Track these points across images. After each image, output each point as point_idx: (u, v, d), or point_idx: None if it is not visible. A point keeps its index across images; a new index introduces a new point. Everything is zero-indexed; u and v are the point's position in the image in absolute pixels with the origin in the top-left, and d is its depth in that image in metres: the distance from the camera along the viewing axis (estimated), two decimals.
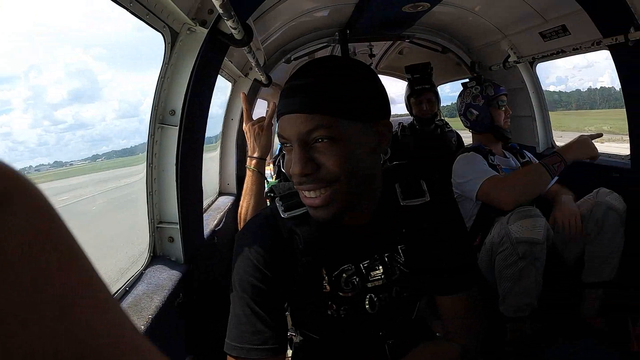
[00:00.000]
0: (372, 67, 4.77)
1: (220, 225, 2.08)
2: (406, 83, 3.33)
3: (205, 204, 2.20)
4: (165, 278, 1.44)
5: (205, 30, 1.49)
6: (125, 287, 1.35)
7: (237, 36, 1.53)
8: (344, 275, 1.04)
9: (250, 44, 1.74)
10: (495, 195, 2.02)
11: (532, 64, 3.10)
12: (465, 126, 2.53)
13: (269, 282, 0.97)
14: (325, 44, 3.30)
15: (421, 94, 3.17)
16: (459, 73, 3.94)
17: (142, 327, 1.17)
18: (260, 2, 1.66)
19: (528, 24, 2.74)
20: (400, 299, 1.09)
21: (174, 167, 1.52)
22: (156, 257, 1.57)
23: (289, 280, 1.01)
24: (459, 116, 2.54)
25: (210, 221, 2.10)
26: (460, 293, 1.08)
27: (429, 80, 3.19)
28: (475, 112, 2.41)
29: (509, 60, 3.07)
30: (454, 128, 3.43)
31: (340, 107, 0.88)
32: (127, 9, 1.22)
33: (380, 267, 1.06)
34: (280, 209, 1.03)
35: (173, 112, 1.52)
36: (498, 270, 1.94)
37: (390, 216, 1.05)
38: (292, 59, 3.23)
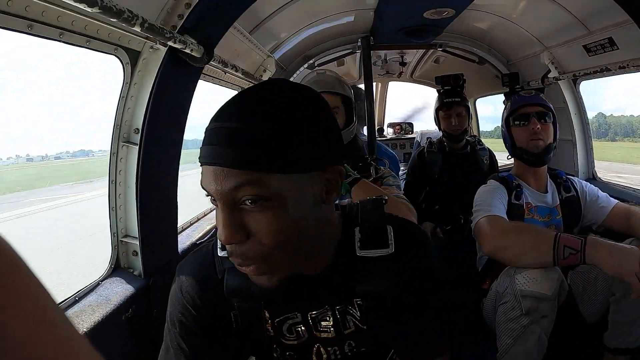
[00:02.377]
0: (405, 75, 4.62)
1: (207, 236, 2.09)
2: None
3: (193, 217, 2.22)
4: (119, 291, 1.47)
5: (164, 49, 1.48)
6: (75, 296, 1.39)
7: (196, 54, 1.52)
8: (288, 322, 0.95)
9: (232, 65, 1.73)
10: (481, 238, 1.76)
11: (576, 81, 2.78)
12: None
13: (197, 322, 0.93)
14: (349, 50, 3.22)
15: (450, 107, 2.92)
16: (497, 87, 3.65)
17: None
18: (229, 17, 1.63)
19: (570, 35, 2.48)
20: (357, 354, 0.98)
21: (134, 184, 1.54)
22: (119, 269, 1.61)
23: (226, 321, 0.96)
24: None
25: (197, 232, 2.12)
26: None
27: (460, 93, 2.95)
28: (502, 132, 2.09)
29: (548, 75, 2.77)
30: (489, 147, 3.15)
31: (273, 158, 0.70)
32: (59, 41, 1.23)
33: (331, 319, 0.94)
34: (218, 246, 0.92)
35: (137, 130, 1.54)
36: (498, 323, 1.66)
37: (345, 266, 0.90)
38: (315, 65, 3.18)
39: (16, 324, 0.22)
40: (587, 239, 1.52)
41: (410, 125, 5.20)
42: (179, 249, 1.84)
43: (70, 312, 1.30)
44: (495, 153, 3.13)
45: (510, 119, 2.00)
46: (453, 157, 2.99)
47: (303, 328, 0.95)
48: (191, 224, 2.10)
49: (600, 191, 2.02)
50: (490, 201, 1.86)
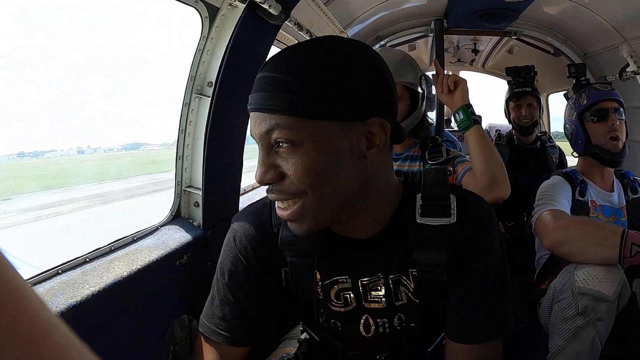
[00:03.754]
0: (477, 64, 4.46)
1: None
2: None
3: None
4: (176, 237, 1.51)
5: (243, 5, 1.50)
6: (133, 236, 1.44)
7: (274, 11, 1.53)
8: (336, 286, 0.95)
9: (307, 26, 1.73)
10: (542, 231, 1.67)
11: None
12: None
13: (247, 274, 0.94)
14: (422, 34, 3.15)
15: (521, 97, 2.84)
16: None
17: (131, 277, 1.22)
18: None
19: None
20: (406, 329, 0.96)
21: (204, 136, 1.58)
22: (178, 217, 1.66)
23: (276, 277, 0.97)
24: None
25: (258, 196, 2.12)
26: (472, 344, 0.90)
27: (531, 83, 2.85)
28: (570, 128, 1.98)
29: (627, 70, 2.59)
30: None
31: (303, 104, 0.74)
32: None
33: (383, 288, 0.93)
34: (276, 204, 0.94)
35: (211, 84, 1.58)
36: (553, 322, 1.57)
37: (403, 233, 0.89)
38: (387, 45, 3.13)
39: None
40: None
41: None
42: (240, 208, 1.86)
43: (125, 251, 1.35)
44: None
45: (586, 113, 1.89)
46: (522, 152, 2.90)
47: (352, 295, 0.94)
48: (253, 188, 2.13)
49: None
50: (554, 196, 1.78)
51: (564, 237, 1.59)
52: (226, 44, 1.55)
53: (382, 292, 0.93)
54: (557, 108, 4.31)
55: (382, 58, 0.83)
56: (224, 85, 1.57)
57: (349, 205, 0.83)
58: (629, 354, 1.67)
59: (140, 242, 1.44)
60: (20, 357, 0.22)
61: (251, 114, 0.79)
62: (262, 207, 0.98)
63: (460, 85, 1.69)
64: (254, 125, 0.78)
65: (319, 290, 0.95)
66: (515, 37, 3.20)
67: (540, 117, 2.92)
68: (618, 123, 1.83)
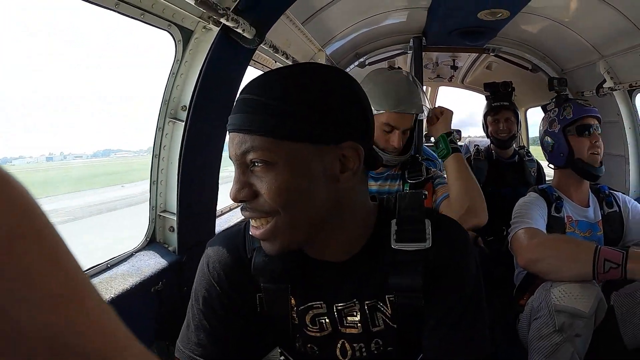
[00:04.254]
0: (456, 80, 4.51)
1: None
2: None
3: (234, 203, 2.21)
4: (151, 264, 1.49)
5: (217, 29, 1.50)
6: (108, 263, 1.42)
7: (247, 35, 1.52)
8: (311, 312, 0.93)
9: (282, 51, 1.73)
10: (517, 249, 1.67)
11: (632, 93, 2.64)
12: (546, 160, 2.06)
13: (221, 300, 0.92)
14: (401, 50, 3.18)
15: (499, 111, 2.85)
16: (550, 96, 3.47)
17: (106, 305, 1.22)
18: (283, 2, 1.64)
19: (627, 43, 2.36)
20: (384, 353, 0.95)
21: (177, 160, 1.56)
22: (154, 243, 1.64)
23: (250, 303, 0.95)
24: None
25: (235, 218, 2.13)
26: None
27: (509, 98, 2.87)
28: (550, 140, 1.97)
29: (604, 86, 2.64)
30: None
31: (279, 126, 0.75)
32: (114, 11, 1.27)
33: (358, 314, 0.92)
34: (250, 226, 0.92)
35: (185, 108, 1.57)
36: (530, 340, 1.57)
37: (378, 258, 0.88)
38: (366, 63, 3.16)
39: (32, 262, 0.22)
40: (630, 252, 1.43)
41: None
42: (216, 232, 1.85)
43: (100, 278, 1.33)
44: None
45: (570, 127, 1.89)
46: (500, 166, 2.90)
47: (327, 321, 0.93)
48: (231, 209, 2.11)
49: None
50: (529, 213, 1.78)
51: (537, 255, 1.59)
52: (200, 67, 1.54)
53: (358, 318, 0.91)
54: (536, 122, 4.37)
55: (360, 87, 0.85)
56: (198, 109, 1.56)
57: (322, 227, 0.83)
58: (625, 357, 1.67)
59: (115, 270, 1.42)
60: (50, 317, 0.23)
61: (230, 134, 0.80)
62: (236, 233, 0.97)
63: (444, 114, 1.72)
64: (232, 144, 0.79)
65: (295, 315, 0.94)
66: (493, 54, 3.23)
67: (518, 132, 2.94)
68: (600, 140, 1.86)
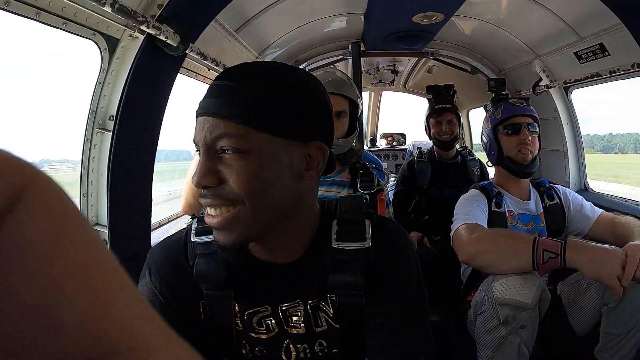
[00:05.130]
0: (398, 84, 4.62)
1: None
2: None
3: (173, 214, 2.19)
4: None
5: (142, 37, 1.48)
6: None
7: (172, 42, 1.51)
8: (258, 315, 0.92)
9: (212, 58, 1.72)
10: (457, 245, 1.69)
11: (568, 90, 2.77)
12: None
13: (164, 310, 0.89)
14: (341, 57, 3.22)
15: (441, 113, 2.90)
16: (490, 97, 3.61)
17: None
18: (210, 10, 1.64)
19: (561, 42, 2.47)
20: (329, 355, 0.95)
21: (107, 171, 1.52)
22: None
23: (194, 311, 0.93)
24: None
25: (174, 230, 2.05)
26: None
27: (451, 101, 2.94)
28: (485, 139, 2.06)
29: (540, 84, 2.76)
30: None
31: (257, 116, 0.76)
32: (36, 20, 1.23)
33: (302, 314, 0.92)
34: (192, 232, 0.92)
35: (112, 118, 1.53)
36: (477, 334, 1.60)
37: (320, 259, 0.89)
38: (306, 70, 3.15)
39: (71, 256, 0.23)
40: (567, 241, 1.48)
41: (403, 136, 5.14)
42: (153, 244, 1.79)
43: None
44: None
45: (500, 127, 1.97)
46: (443, 167, 2.96)
47: (273, 321, 0.92)
48: (169, 221, 2.06)
49: (585, 200, 1.99)
50: (469, 209, 1.82)
51: (476, 250, 1.62)
52: (126, 76, 1.51)
53: (301, 318, 0.92)
54: (478, 123, 4.50)
55: (326, 91, 0.87)
56: (126, 119, 1.53)
57: (278, 224, 0.83)
58: (564, 352, 1.74)
59: None
60: (89, 309, 0.23)
61: (198, 119, 0.79)
62: (177, 240, 0.95)
63: None
64: (200, 130, 0.77)
65: (238, 322, 0.93)
66: (432, 58, 3.30)
67: (460, 133, 3.02)
68: (530, 138, 1.90)
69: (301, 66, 3.04)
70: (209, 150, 0.77)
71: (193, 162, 1.91)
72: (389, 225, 0.94)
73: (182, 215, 2.24)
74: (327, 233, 0.90)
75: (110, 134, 1.52)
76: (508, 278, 1.51)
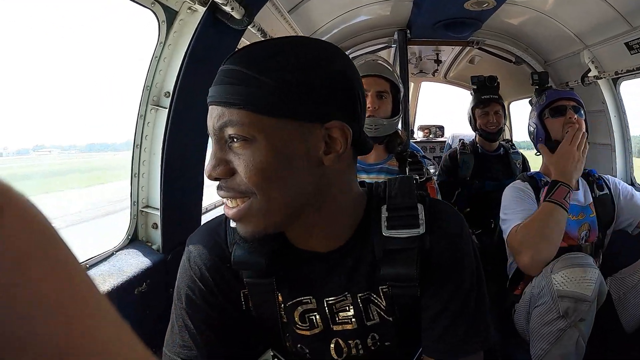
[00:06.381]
0: (439, 75, 4.52)
1: None
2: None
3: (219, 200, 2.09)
4: (134, 264, 1.38)
5: (203, 9, 1.40)
6: (86, 263, 1.30)
7: (236, 15, 1.43)
8: (300, 308, 0.87)
9: (271, 34, 1.64)
10: (517, 251, 1.68)
11: (616, 81, 2.65)
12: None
13: (204, 297, 0.86)
14: (385, 44, 3.14)
15: (488, 104, 2.86)
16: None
17: None
18: None
19: (612, 32, 2.34)
20: (382, 348, 0.89)
21: (161, 151, 1.45)
22: (136, 241, 1.52)
23: (235, 300, 0.88)
24: None
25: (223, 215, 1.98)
26: (450, 359, 0.84)
27: (496, 91, 2.90)
28: (532, 128, 2.02)
29: (589, 75, 2.65)
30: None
31: (262, 100, 0.69)
32: None
33: (351, 308, 0.86)
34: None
35: (168, 94, 1.46)
36: (533, 327, 1.56)
37: (368, 247, 0.84)
38: (350, 57, 3.07)
39: (42, 280, 0.23)
40: (556, 178, 1.73)
41: (441, 128, 5.06)
42: None
43: None
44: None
45: (545, 111, 1.92)
46: (486, 160, 2.92)
47: (318, 317, 0.87)
48: (216, 206, 1.99)
49: (634, 190, 1.94)
50: (520, 206, 1.79)
51: (530, 253, 1.62)
52: (185, 51, 1.44)
53: (352, 313, 0.86)
54: (518, 116, 4.40)
55: (352, 64, 0.80)
56: (182, 95, 1.46)
57: (302, 212, 0.78)
58: (612, 348, 1.69)
59: (94, 270, 1.31)
60: (58, 331, 0.24)
61: (209, 107, 0.74)
62: (217, 225, 0.90)
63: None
64: (210, 117, 0.73)
65: (283, 312, 0.88)
66: (477, 47, 3.21)
67: (504, 124, 2.96)
68: (576, 117, 1.86)
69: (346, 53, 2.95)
70: (219, 140, 0.73)
71: None
72: (443, 209, 0.87)
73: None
74: (376, 220, 0.84)
75: (166, 110, 1.45)
76: (568, 270, 1.49)
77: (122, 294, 1.26)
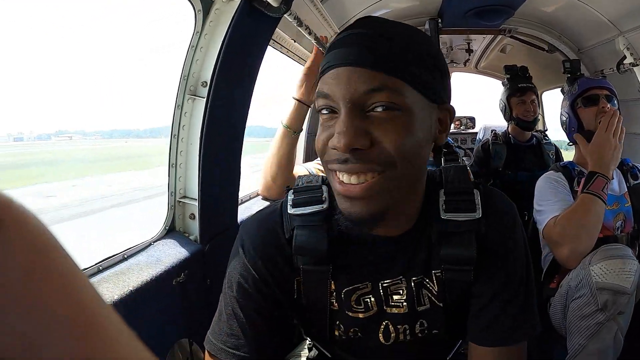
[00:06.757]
0: (470, 65, 4.44)
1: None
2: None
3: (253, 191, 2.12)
4: (171, 254, 1.38)
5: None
6: (124, 254, 1.30)
7: (273, 3, 1.40)
8: (357, 292, 0.87)
9: (306, 25, 1.62)
10: (554, 243, 1.67)
11: None
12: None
13: (257, 285, 0.85)
14: None
15: (525, 92, 2.82)
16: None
17: (122, 299, 1.09)
18: None
19: None
20: (428, 336, 0.89)
21: (199, 141, 1.44)
22: (173, 231, 1.52)
23: (288, 288, 0.88)
24: None
25: (257, 206, 1.98)
26: (496, 346, 0.85)
27: (531, 81, 2.86)
28: (564, 118, 1.99)
29: (624, 62, 2.56)
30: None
31: (411, 69, 0.69)
32: None
33: (405, 292, 0.86)
34: (289, 203, 0.86)
35: (205, 84, 1.45)
36: (570, 321, 1.53)
37: (427, 231, 0.85)
38: None
39: (48, 293, 0.23)
40: (592, 169, 1.69)
41: (472, 119, 4.97)
42: (238, 219, 1.73)
43: (115, 270, 1.22)
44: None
45: (577, 100, 1.90)
46: (518, 150, 2.90)
47: (373, 299, 0.87)
48: (250, 198, 1.99)
49: None
50: (555, 197, 1.77)
51: (571, 245, 1.60)
52: (221, 40, 1.43)
53: (404, 297, 0.86)
54: (551, 105, 4.29)
55: None
56: (219, 85, 1.45)
57: (408, 192, 0.80)
58: None
59: (132, 260, 1.31)
60: (66, 345, 0.23)
61: (333, 71, 0.70)
62: (272, 213, 0.90)
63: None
64: (342, 83, 0.69)
65: (334, 300, 0.88)
66: (509, 35, 3.15)
67: (539, 114, 2.93)
68: (609, 106, 1.84)
69: None
70: (355, 107, 0.69)
71: (276, 137, 1.83)
72: (498, 196, 0.88)
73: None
74: (434, 203, 0.84)
75: (204, 100, 1.44)
76: (607, 261, 1.47)
77: (161, 284, 1.26)
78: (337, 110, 0.70)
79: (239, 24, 1.43)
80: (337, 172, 0.73)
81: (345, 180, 0.72)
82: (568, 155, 2.50)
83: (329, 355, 0.99)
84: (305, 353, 1.25)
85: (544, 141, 2.97)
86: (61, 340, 0.23)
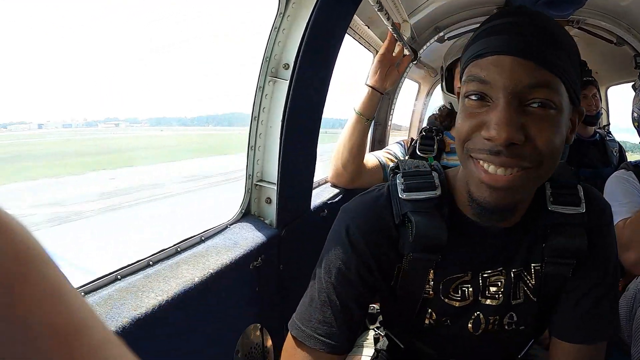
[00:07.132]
0: None
1: (337, 198, 1.94)
2: None
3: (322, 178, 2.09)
4: (248, 237, 1.37)
5: None
6: (201, 236, 1.30)
7: None
8: (457, 281, 0.86)
9: (385, 10, 1.58)
10: (623, 249, 1.51)
11: None
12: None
13: (359, 272, 0.84)
14: None
15: (586, 86, 2.74)
16: (634, 74, 3.26)
17: (203, 281, 1.08)
18: None
19: None
20: (514, 330, 0.89)
21: (280, 124, 1.43)
22: (249, 215, 1.51)
23: (388, 275, 0.87)
24: None
25: (326, 192, 1.97)
26: (583, 343, 0.85)
27: (591, 74, 2.81)
28: (634, 114, 1.89)
29: None
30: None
31: (569, 70, 0.69)
32: None
33: (503, 283, 0.86)
34: (399, 188, 0.84)
35: (287, 66, 1.43)
36: (636, 327, 1.45)
37: (534, 223, 0.85)
38: (445, 38, 2.94)
39: (34, 302, 0.23)
40: None
41: None
42: (311, 205, 1.71)
43: (193, 252, 1.21)
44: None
45: None
46: (581, 146, 2.80)
47: (470, 289, 0.86)
48: (320, 185, 1.97)
49: None
50: (626, 197, 1.67)
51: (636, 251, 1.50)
52: (305, 23, 1.40)
53: (502, 289, 0.86)
54: (617, 101, 4.09)
55: None
56: (302, 68, 1.43)
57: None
58: None
59: (209, 242, 1.30)
60: (53, 355, 0.23)
61: (494, 58, 0.70)
62: (378, 197, 0.87)
63: None
64: (503, 72, 0.68)
65: (429, 289, 0.87)
66: (577, 26, 2.99)
67: (602, 108, 2.90)
68: None
69: (441, 33, 2.84)
70: (516, 100, 0.68)
71: (348, 124, 1.80)
72: (597, 194, 0.89)
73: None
74: (541, 196, 0.85)
75: (286, 82, 1.42)
76: None
77: (239, 267, 1.25)
78: (492, 98, 0.69)
79: (323, 5, 1.40)
80: (482, 162, 0.71)
81: (491, 170, 0.71)
82: (631, 157, 2.37)
83: (402, 346, 0.97)
84: (368, 343, 1.22)
85: (608, 138, 2.89)
86: (46, 349, 0.23)
